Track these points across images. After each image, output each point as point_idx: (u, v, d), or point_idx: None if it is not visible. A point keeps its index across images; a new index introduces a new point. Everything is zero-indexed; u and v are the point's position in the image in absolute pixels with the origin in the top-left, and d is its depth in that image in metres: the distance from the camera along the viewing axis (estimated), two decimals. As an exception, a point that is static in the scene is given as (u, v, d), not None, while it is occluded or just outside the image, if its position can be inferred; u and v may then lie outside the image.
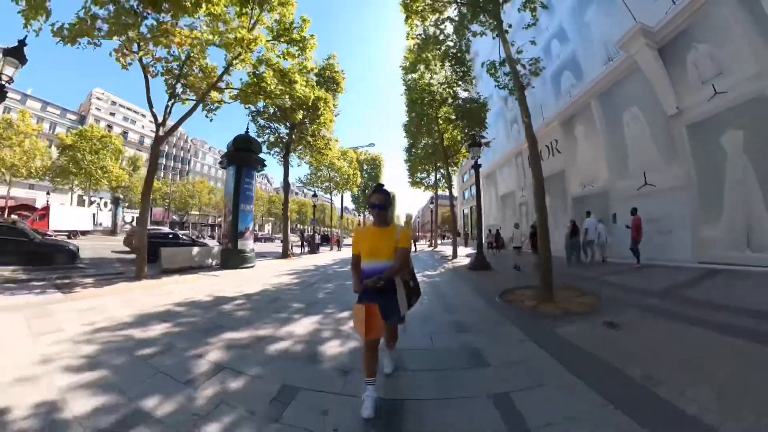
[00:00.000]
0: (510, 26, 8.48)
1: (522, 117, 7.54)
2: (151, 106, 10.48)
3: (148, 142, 61.82)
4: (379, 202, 3.01)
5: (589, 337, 4.31)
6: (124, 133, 59.17)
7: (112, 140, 40.28)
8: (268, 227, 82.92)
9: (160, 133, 10.80)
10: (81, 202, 46.10)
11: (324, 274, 11.97)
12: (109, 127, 55.72)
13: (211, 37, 10.79)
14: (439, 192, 28.63)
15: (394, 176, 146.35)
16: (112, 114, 61.23)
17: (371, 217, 3.09)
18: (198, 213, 65.76)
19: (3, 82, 6.58)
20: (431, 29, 12.72)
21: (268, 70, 13.50)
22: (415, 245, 27.86)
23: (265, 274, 11.81)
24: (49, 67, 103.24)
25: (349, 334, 4.71)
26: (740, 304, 5.40)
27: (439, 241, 37.66)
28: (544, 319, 5.32)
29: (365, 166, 43.82)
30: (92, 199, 45.82)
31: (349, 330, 4.85)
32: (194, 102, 11.60)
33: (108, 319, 5.26)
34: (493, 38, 8.79)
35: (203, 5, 9.63)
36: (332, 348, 4.20)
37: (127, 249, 17.31)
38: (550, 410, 2.59)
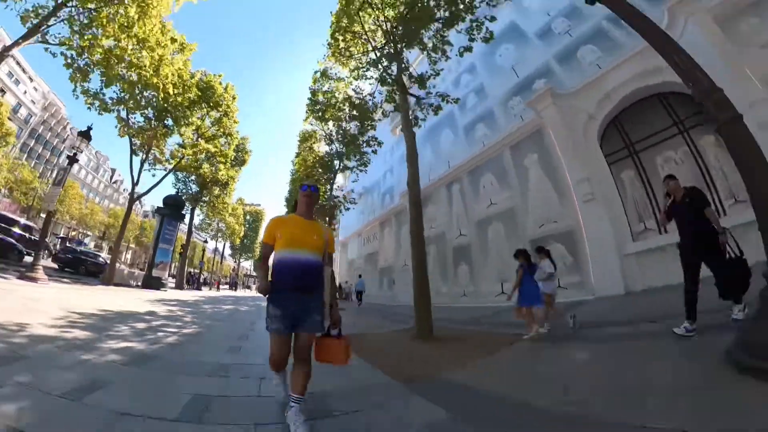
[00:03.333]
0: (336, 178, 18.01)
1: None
2: (131, 170, 17.30)
3: (24, 112, 53.62)
4: (312, 183, 2.72)
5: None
6: (1, 91, 48.53)
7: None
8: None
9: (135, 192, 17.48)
10: None
11: (220, 299, 19.38)
12: (-15, 76, 44.00)
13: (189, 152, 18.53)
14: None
15: None
16: (-2, 61, 48.51)
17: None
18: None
19: (75, 153, 12.91)
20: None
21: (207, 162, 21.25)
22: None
23: (182, 294, 18.66)
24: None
25: (249, 303, 13.05)
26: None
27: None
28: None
29: (248, 217, 50.48)
30: None
31: (249, 301, 13.17)
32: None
33: (168, 296, 12.90)
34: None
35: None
36: (244, 307, 12.49)
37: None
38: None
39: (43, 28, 11.17)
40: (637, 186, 10.88)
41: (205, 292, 26.88)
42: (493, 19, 10.83)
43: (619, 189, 11.04)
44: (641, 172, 10.85)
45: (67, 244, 22.12)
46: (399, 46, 10.82)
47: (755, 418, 2.19)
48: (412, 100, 11.28)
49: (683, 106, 10.24)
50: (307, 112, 18.29)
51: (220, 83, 20.24)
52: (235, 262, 57.37)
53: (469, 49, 10.78)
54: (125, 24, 11.58)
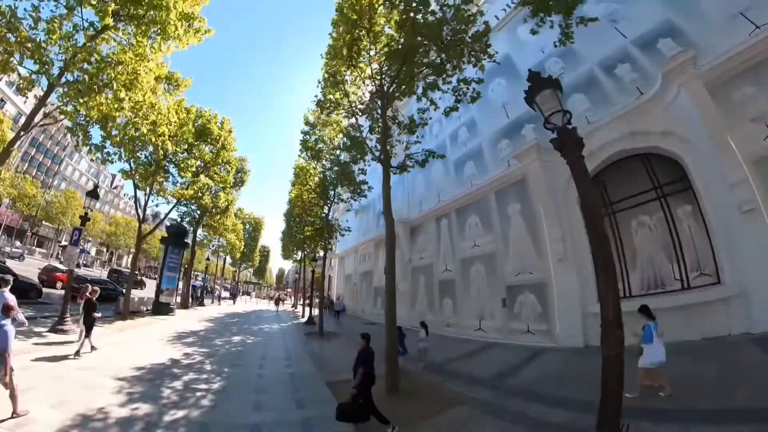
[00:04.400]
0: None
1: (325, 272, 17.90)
2: (137, 208, 18.42)
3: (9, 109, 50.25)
4: None
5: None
6: (1, 101, 48.64)
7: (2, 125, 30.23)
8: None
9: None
10: None
11: (226, 323, 20.57)
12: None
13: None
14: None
15: (274, 233, 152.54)
16: (0, 73, 47.28)
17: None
18: (53, 226, 59.06)
19: (87, 211, 14.19)
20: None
21: (207, 193, 22.38)
22: (278, 304, 36.98)
23: (190, 320, 19.84)
24: None
25: (252, 327, 14.26)
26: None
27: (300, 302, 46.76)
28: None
29: (247, 225, 51.36)
30: None
31: (252, 324, 14.39)
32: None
33: (178, 327, 14.74)
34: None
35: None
36: (250, 338, 13.69)
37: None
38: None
39: (38, 122, 11.50)
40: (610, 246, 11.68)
41: (209, 310, 28.19)
42: (480, 81, 11.00)
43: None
44: (616, 233, 11.54)
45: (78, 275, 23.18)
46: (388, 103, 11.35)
47: None
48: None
49: (665, 171, 10.74)
50: (300, 150, 19.37)
51: (216, 123, 21.50)
52: (236, 271, 58.42)
53: (455, 108, 11.13)
54: (117, 98, 11.49)
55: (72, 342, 9.83)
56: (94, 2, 10.10)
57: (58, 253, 56.67)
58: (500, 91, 18.03)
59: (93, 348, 9.61)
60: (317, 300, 24.58)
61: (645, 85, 11.36)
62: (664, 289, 10.46)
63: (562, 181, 12.40)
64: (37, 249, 56.81)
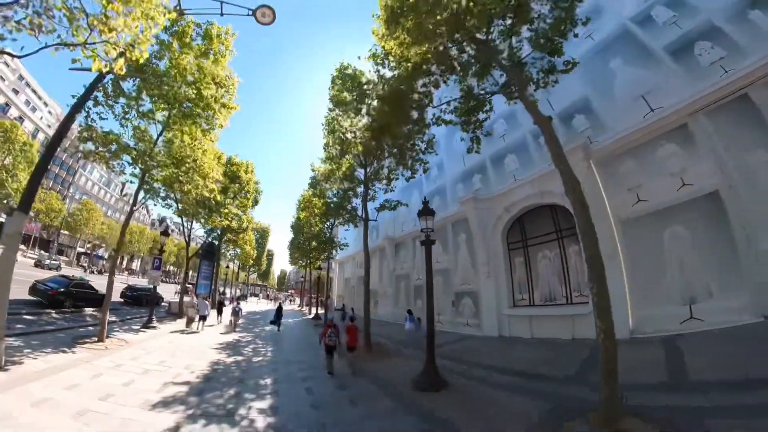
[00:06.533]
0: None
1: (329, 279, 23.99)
2: (184, 234, 24.40)
3: (41, 137, 55.64)
4: None
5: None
6: (20, 119, 51.32)
7: (32, 149, 37.11)
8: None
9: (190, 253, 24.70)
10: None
11: (250, 317, 26.62)
12: (7, 105, 49.81)
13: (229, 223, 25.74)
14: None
15: (277, 236, 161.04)
16: (16, 92, 52.66)
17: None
18: (71, 235, 63.97)
19: (162, 247, 20.28)
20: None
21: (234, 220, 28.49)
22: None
23: (226, 315, 25.89)
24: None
25: (268, 316, 20.47)
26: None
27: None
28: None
29: (256, 234, 56.99)
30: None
31: (268, 315, 20.60)
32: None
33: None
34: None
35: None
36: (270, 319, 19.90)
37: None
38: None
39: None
40: (523, 269, 16.14)
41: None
42: (427, 162, 17.20)
43: (512, 269, 16.85)
44: (527, 260, 16.29)
45: (129, 283, 29.04)
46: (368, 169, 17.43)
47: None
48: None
49: (565, 219, 14.02)
50: (308, 186, 25.42)
51: (245, 170, 27.77)
52: (246, 275, 63.96)
53: (412, 176, 17.43)
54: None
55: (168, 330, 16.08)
56: (155, 102, 13.20)
57: (79, 262, 62.11)
58: (463, 142, 23.48)
59: (201, 329, 18.25)
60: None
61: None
62: (555, 303, 14.51)
63: (490, 223, 17.88)
64: (60, 257, 61.66)
